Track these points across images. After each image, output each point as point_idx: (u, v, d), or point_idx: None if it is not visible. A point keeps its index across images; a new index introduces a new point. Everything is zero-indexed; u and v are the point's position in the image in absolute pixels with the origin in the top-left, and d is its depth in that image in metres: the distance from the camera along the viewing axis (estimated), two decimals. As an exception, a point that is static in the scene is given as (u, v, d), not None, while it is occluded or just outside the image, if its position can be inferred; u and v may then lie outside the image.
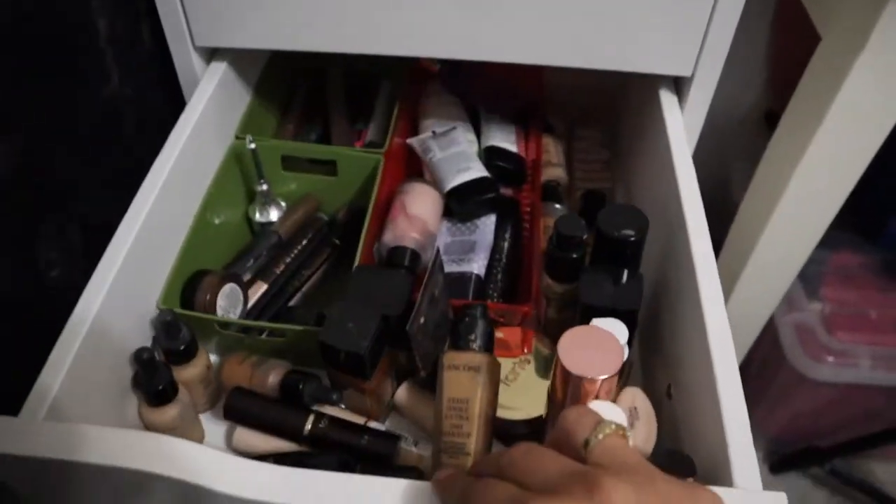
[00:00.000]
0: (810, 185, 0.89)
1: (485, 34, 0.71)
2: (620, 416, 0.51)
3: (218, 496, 0.45)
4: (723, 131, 1.06)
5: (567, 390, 0.56)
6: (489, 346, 0.64)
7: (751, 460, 0.50)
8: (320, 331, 0.61)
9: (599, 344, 0.55)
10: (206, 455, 0.47)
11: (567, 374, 0.54)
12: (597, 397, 0.55)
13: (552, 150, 0.92)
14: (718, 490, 0.48)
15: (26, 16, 0.58)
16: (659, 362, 0.68)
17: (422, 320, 0.61)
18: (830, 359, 1.18)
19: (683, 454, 0.53)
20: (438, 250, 0.64)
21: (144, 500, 0.51)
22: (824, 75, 0.83)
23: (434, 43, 0.73)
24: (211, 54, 0.80)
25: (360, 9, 0.70)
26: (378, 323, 0.61)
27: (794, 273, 1.02)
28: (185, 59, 0.76)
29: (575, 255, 0.66)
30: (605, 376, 0.53)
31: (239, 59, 0.81)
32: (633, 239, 0.64)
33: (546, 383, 0.69)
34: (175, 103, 0.79)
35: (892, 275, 1.27)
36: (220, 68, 0.79)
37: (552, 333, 0.73)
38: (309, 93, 0.94)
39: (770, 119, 1.54)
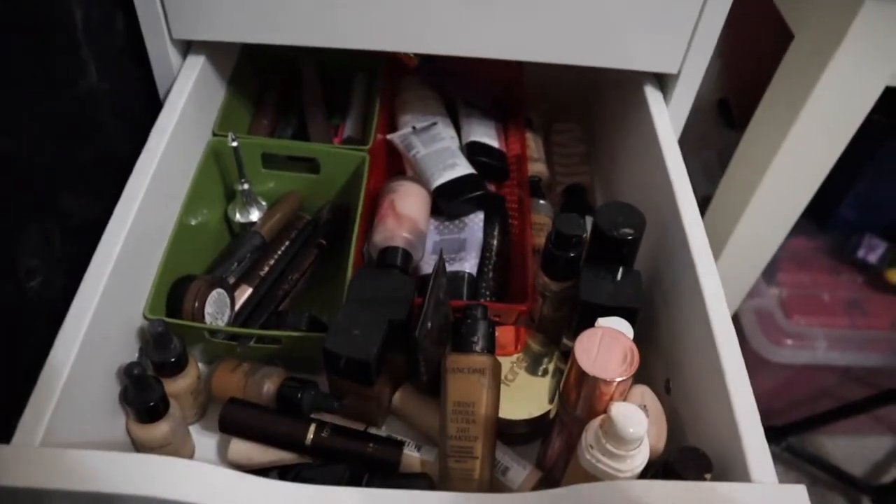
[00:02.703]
0: (783, 180, 0.91)
1: (467, 29, 0.70)
2: (642, 418, 0.51)
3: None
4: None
5: (581, 391, 0.56)
6: (491, 347, 0.64)
7: (765, 454, 0.51)
8: (325, 337, 0.59)
9: (614, 345, 0.55)
10: (241, 480, 0.45)
11: (583, 376, 0.54)
12: (611, 398, 0.55)
13: (532, 144, 0.91)
14: (735, 485, 0.50)
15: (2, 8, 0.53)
16: (654, 358, 0.69)
17: (429, 325, 0.60)
18: (789, 341, 1.23)
19: (698, 450, 0.54)
20: (441, 253, 0.63)
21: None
22: (798, 72, 0.85)
23: (418, 37, 0.71)
24: (186, 48, 0.76)
25: (344, 2, 0.68)
26: (385, 329, 0.59)
27: (761, 266, 1.05)
28: (160, 52, 0.72)
29: (573, 254, 0.66)
30: (622, 378, 0.54)
31: (214, 52, 0.78)
32: (631, 237, 0.64)
33: (541, 381, 0.69)
34: (149, 97, 0.75)
35: (841, 257, 1.33)
36: (196, 63, 0.75)
37: (546, 331, 0.73)
38: (282, 87, 0.91)
39: (722, 108, 1.57)
